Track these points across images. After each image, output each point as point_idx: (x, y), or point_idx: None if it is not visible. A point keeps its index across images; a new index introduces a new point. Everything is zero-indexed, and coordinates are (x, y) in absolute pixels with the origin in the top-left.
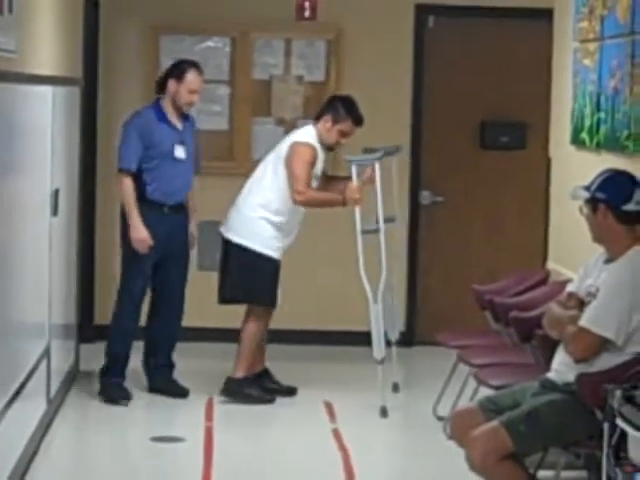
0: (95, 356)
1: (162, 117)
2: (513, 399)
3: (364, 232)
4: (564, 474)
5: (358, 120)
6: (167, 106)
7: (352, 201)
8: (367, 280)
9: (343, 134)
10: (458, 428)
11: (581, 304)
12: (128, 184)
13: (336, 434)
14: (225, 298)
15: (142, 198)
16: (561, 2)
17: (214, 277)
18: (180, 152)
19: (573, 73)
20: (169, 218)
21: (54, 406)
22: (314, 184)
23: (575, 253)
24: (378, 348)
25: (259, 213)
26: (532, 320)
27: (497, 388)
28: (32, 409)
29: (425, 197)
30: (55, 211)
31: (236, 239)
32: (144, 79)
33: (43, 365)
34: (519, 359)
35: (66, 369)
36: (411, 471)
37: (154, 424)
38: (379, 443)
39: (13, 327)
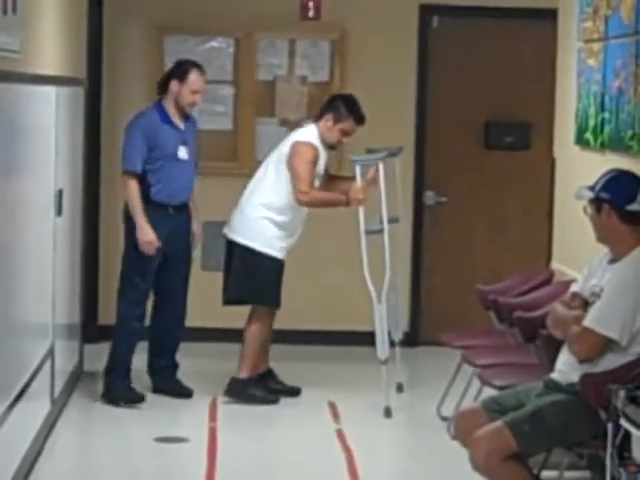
0: (99, 356)
1: (165, 118)
2: (517, 399)
3: (368, 232)
4: (568, 474)
5: (360, 119)
6: (170, 107)
7: (356, 201)
8: (371, 280)
9: (345, 133)
10: (462, 428)
11: (585, 304)
12: (133, 186)
13: (340, 434)
14: (229, 299)
15: (146, 199)
16: (565, 2)
17: (218, 277)
18: (183, 153)
19: (577, 73)
20: (173, 219)
21: (58, 406)
22: (316, 183)
23: (579, 253)
24: (382, 348)
25: (262, 213)
26: (536, 320)
27: (501, 388)
28: (36, 409)
29: (429, 197)
30: (59, 211)
31: (240, 240)
32: (148, 79)
33: (47, 365)
34: (523, 359)
35: (70, 369)
36: (415, 471)
37: (158, 424)
38: (383, 443)
39: (17, 327)
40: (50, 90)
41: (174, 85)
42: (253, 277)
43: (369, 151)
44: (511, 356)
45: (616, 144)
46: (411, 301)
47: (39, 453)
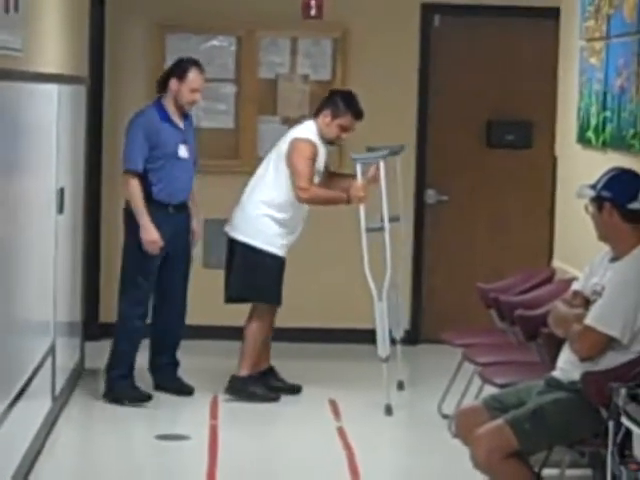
0: (100, 354)
1: (165, 117)
2: (518, 397)
3: (369, 230)
4: (569, 472)
5: (358, 114)
6: (169, 105)
7: (357, 199)
8: (372, 278)
9: (343, 129)
10: (463, 426)
11: (587, 302)
12: (135, 185)
13: (341, 432)
14: (231, 297)
15: (148, 199)
16: (567, 1)
17: (219, 275)
18: (183, 151)
19: (579, 72)
20: (174, 218)
21: (59, 404)
22: (316, 180)
23: (581, 251)
24: (383, 346)
25: (263, 210)
26: (537, 318)
27: (502, 386)
28: (37, 407)
29: (430, 196)
30: (61, 209)
31: (241, 238)
32: (150, 77)
33: (48, 363)
34: (524, 357)
35: (71, 367)
36: (416, 469)
37: (159, 422)
38: (384, 441)
39: (18, 325)
40: (52, 88)
41: (173, 84)
42: (254, 275)
43: (370, 149)
44: (512, 354)
45: (618, 143)
46: (412, 299)
47: (40, 451)
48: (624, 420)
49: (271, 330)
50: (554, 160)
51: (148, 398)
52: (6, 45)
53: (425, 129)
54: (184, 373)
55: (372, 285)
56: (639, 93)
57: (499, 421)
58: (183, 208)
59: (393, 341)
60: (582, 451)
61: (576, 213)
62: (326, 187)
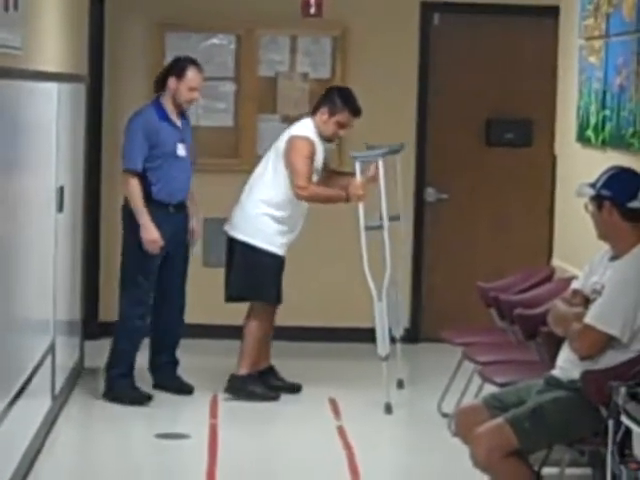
0: (100, 352)
1: (164, 116)
2: (518, 396)
3: (368, 228)
4: (569, 471)
5: (355, 111)
6: (167, 104)
7: (356, 197)
8: (371, 277)
9: (341, 125)
10: (463, 425)
11: (586, 301)
12: (135, 185)
13: (341, 431)
14: (231, 296)
15: (147, 198)
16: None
17: (218, 274)
18: (182, 150)
19: (579, 71)
20: (173, 217)
21: (59, 403)
22: (315, 177)
23: (580, 250)
24: (382, 345)
25: (262, 209)
26: (537, 317)
27: (502, 385)
28: (37, 406)
29: (430, 194)
30: (60, 208)
31: (240, 237)
32: (150, 76)
33: (48, 361)
34: (524, 356)
35: (71, 366)
36: (416, 468)
37: (159, 421)
38: (384, 440)
39: (18, 323)
40: (52, 87)
41: (172, 82)
42: (254, 274)
43: (370, 147)
44: (512, 353)
45: (617, 142)
46: (412, 298)
47: (39, 450)
48: (624, 419)
49: (271, 329)
50: (554, 159)
51: (148, 399)
52: (5, 43)
53: (425, 127)
54: (184, 372)
55: (371, 284)
56: (638, 92)
57: (499, 420)
58: (182, 207)
59: (393, 340)
60: (582, 450)
61: (576, 212)
62: (325, 185)
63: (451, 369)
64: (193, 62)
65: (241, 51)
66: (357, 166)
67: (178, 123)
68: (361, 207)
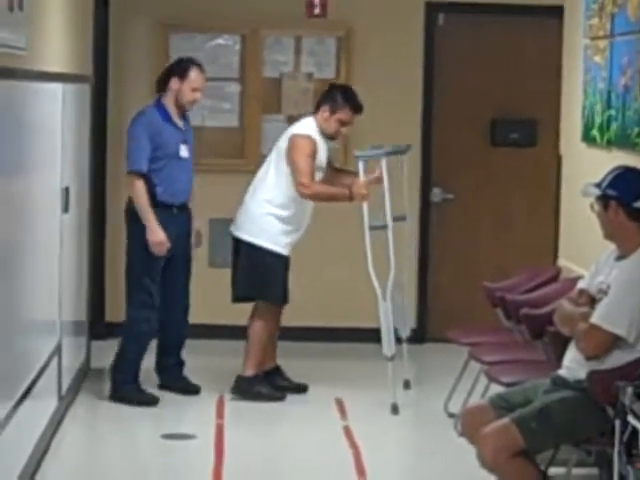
0: (106, 353)
1: (166, 117)
2: (524, 396)
3: (372, 228)
4: (575, 471)
5: (357, 108)
6: (169, 105)
7: (359, 197)
8: (376, 277)
9: (343, 123)
10: (469, 425)
11: (592, 301)
12: (141, 186)
13: (347, 431)
14: (238, 297)
15: (152, 200)
16: None
17: (224, 275)
18: (184, 151)
19: (584, 70)
20: (177, 218)
21: (65, 403)
22: (319, 175)
23: (586, 250)
24: (388, 345)
25: (266, 209)
26: (543, 317)
27: (508, 385)
28: (43, 407)
29: (436, 194)
30: (66, 208)
31: (245, 237)
32: (154, 77)
33: (54, 362)
34: (530, 356)
35: (77, 366)
36: (422, 468)
37: (165, 421)
38: (390, 440)
39: (24, 324)
40: (56, 87)
41: (174, 83)
42: (259, 274)
43: (374, 148)
44: (518, 353)
45: (622, 141)
46: (418, 298)
47: (46, 450)
48: (630, 419)
49: (277, 329)
50: (559, 158)
51: (155, 401)
52: (10, 44)
53: (430, 128)
54: (190, 372)
55: (376, 284)
56: None
57: (505, 420)
58: (184, 209)
59: (399, 340)
60: (588, 450)
61: (581, 212)
62: (330, 183)
63: (457, 369)
64: (195, 63)
65: (246, 52)
66: (360, 165)
67: (180, 124)
68: (365, 207)
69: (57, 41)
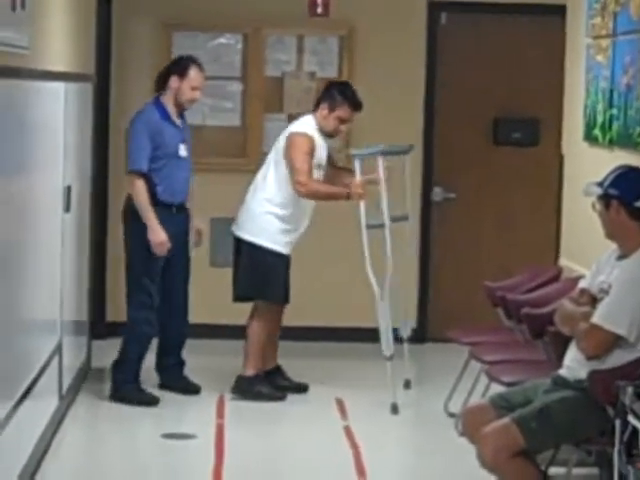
0: (107, 353)
1: (166, 116)
2: (525, 396)
3: (369, 227)
4: (576, 471)
5: (355, 105)
6: (169, 104)
7: (356, 196)
8: (374, 276)
9: (342, 120)
10: (469, 425)
11: (593, 301)
12: (141, 186)
13: (348, 431)
14: (238, 296)
15: (152, 200)
16: None
17: (225, 274)
18: (183, 151)
19: (586, 69)
20: (176, 218)
21: (66, 403)
22: (318, 173)
23: (588, 249)
24: (387, 345)
25: (266, 208)
26: (544, 317)
27: (509, 385)
28: (44, 406)
29: (437, 194)
30: (67, 208)
31: (245, 236)
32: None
33: (55, 362)
34: (531, 356)
35: (78, 366)
36: (422, 468)
37: (165, 421)
38: (391, 440)
39: (25, 324)
40: (59, 86)
41: (174, 81)
42: (259, 273)
43: (369, 147)
44: (519, 352)
45: (624, 140)
46: (419, 297)
47: (46, 450)
48: (631, 419)
49: (278, 329)
50: (561, 158)
51: (155, 401)
52: (13, 43)
53: (432, 127)
54: (191, 372)
55: (374, 283)
56: None
57: (506, 420)
58: (183, 208)
59: (400, 340)
60: (589, 450)
61: (583, 211)
62: (330, 182)
63: (458, 369)
64: (194, 61)
65: (248, 51)
66: (356, 164)
67: (178, 123)
68: (362, 205)
69: (59, 40)
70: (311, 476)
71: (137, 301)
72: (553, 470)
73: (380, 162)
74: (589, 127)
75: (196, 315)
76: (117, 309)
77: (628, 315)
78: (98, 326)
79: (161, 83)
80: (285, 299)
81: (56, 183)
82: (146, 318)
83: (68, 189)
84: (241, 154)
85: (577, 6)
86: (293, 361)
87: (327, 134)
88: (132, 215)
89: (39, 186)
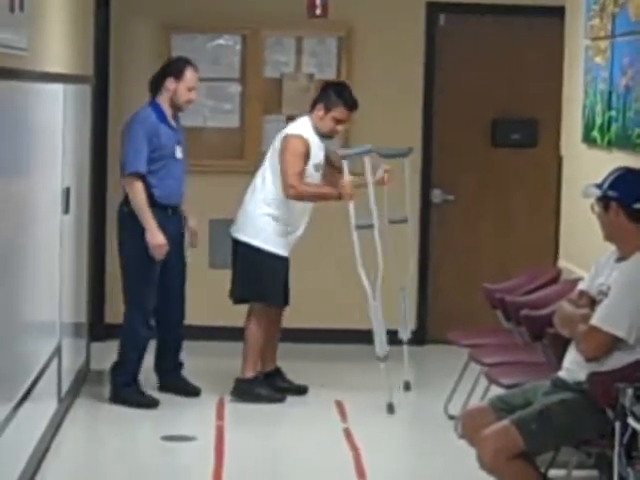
0: (106, 355)
1: (162, 117)
2: (524, 398)
3: (358, 227)
4: (575, 473)
5: (351, 105)
6: (165, 105)
7: (346, 196)
8: (366, 277)
9: (338, 121)
10: (469, 427)
11: (592, 303)
12: (140, 188)
13: (347, 433)
14: (237, 298)
15: (149, 202)
16: (572, 0)
17: (224, 275)
18: (179, 152)
19: (584, 71)
20: (172, 220)
21: (65, 405)
22: (317, 175)
23: (586, 251)
24: (380, 345)
25: (263, 210)
26: (543, 319)
27: (508, 387)
28: (43, 408)
29: (436, 195)
30: (66, 209)
31: (243, 238)
32: None
33: (54, 364)
34: (530, 358)
35: (77, 368)
36: (422, 470)
37: (165, 423)
38: (390, 442)
39: (24, 326)
40: (57, 88)
41: (170, 83)
42: (258, 275)
43: (382, 155)
44: (518, 355)
45: (623, 142)
46: (418, 299)
47: (46, 452)
48: (630, 421)
49: (278, 331)
50: (559, 159)
51: (155, 404)
52: (11, 44)
53: (430, 128)
54: (190, 374)
55: (366, 284)
56: None
57: (505, 422)
58: (178, 209)
59: (400, 342)
60: (588, 452)
61: (582, 213)
62: (329, 182)
63: (457, 371)
64: (189, 62)
65: (247, 52)
66: (345, 164)
67: (174, 124)
68: (351, 206)
69: (58, 42)
70: (311, 478)
71: (134, 304)
72: (553, 472)
73: (367, 162)
74: (588, 129)
75: (195, 317)
76: (116, 311)
77: (627, 317)
78: (97, 328)
79: (156, 85)
80: (284, 301)
81: (55, 185)
82: (143, 320)
83: (67, 191)
84: (240, 155)
85: (576, 8)
86: (293, 363)
87: (324, 135)
88: (129, 218)
89: (38, 188)
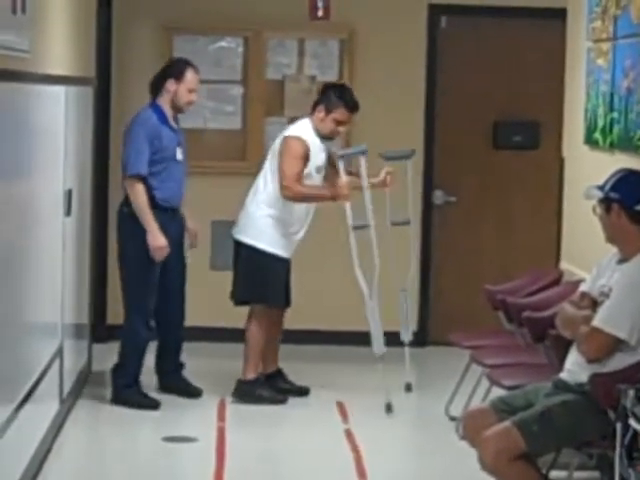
0: (108, 356)
1: (163, 119)
2: (526, 399)
3: (355, 228)
4: (577, 474)
5: (352, 106)
6: (165, 107)
7: (343, 197)
8: (362, 277)
9: (339, 122)
10: (470, 428)
11: (594, 304)
12: (141, 190)
13: (349, 434)
14: (239, 299)
15: (150, 203)
16: (574, 2)
17: (226, 277)
18: (180, 154)
19: (586, 73)
20: (173, 221)
21: (66, 406)
22: (318, 176)
23: (588, 253)
24: (377, 344)
25: (264, 211)
26: (545, 320)
27: (510, 388)
28: (45, 409)
29: (438, 197)
30: (68, 211)
31: (245, 239)
32: None
33: (56, 365)
34: (532, 359)
35: (79, 369)
36: (423, 471)
37: (166, 424)
38: (392, 443)
39: (26, 327)
40: (59, 90)
41: (171, 84)
42: (259, 277)
43: (387, 158)
44: (520, 356)
45: (625, 144)
46: (420, 301)
47: (47, 453)
48: (632, 422)
49: (278, 332)
50: (561, 161)
51: (156, 405)
52: (14, 46)
53: (432, 130)
54: (191, 375)
55: (363, 284)
56: None
57: (507, 423)
58: (178, 211)
59: (401, 343)
60: (590, 453)
61: (583, 214)
62: (330, 183)
63: (459, 372)
64: (190, 63)
65: (249, 54)
66: (340, 165)
67: (174, 126)
68: (348, 206)
69: (60, 44)
70: (312, 479)
71: (135, 305)
72: (554, 473)
73: (362, 162)
74: (590, 130)
75: (196, 318)
76: (118, 312)
77: (629, 318)
78: (99, 329)
79: (156, 87)
80: (286, 302)
81: (57, 187)
82: (143, 322)
83: (69, 193)
84: (242, 157)
85: (577, 10)
86: (294, 364)
87: (325, 136)
88: (130, 219)
89: (40, 190)
